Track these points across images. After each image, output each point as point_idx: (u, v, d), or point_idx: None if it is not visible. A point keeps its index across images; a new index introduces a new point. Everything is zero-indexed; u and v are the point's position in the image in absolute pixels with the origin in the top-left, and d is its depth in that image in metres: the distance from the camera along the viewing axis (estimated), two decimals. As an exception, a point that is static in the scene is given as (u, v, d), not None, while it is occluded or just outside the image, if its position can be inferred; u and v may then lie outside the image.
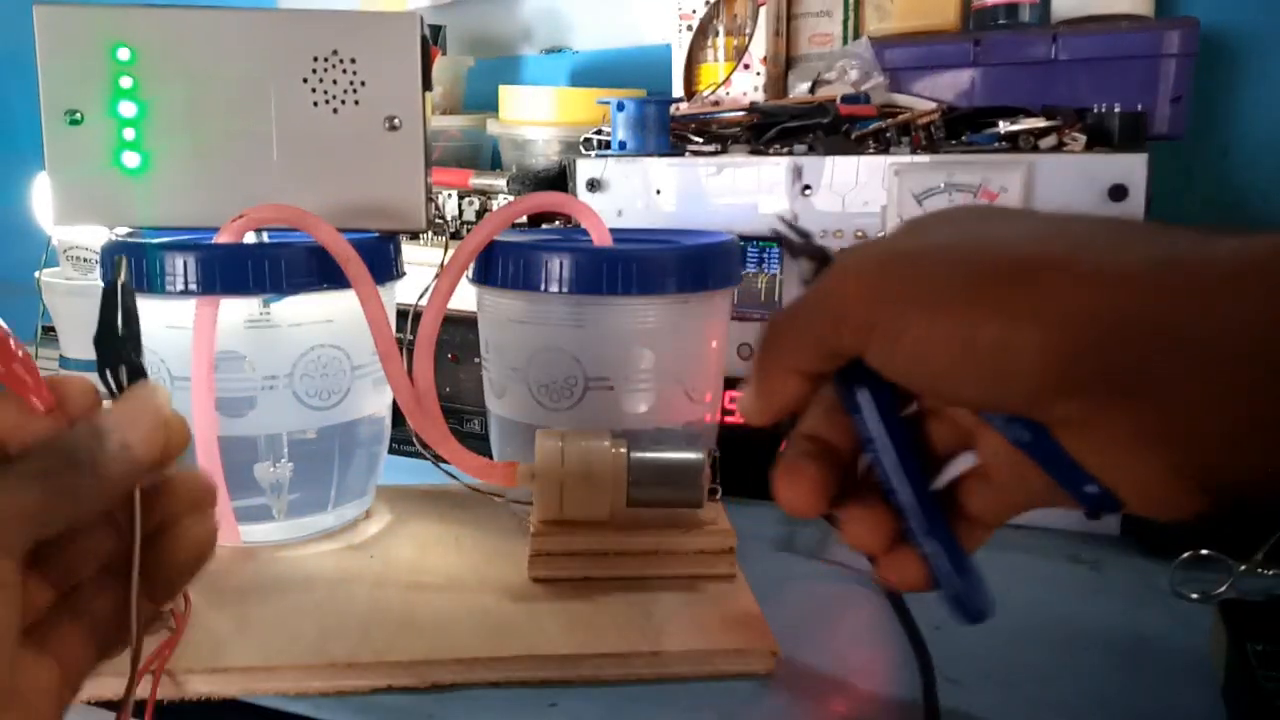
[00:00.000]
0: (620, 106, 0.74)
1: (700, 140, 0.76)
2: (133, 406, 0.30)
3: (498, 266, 0.58)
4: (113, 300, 0.32)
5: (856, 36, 0.88)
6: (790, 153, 0.69)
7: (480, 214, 0.85)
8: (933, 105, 0.74)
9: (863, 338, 0.29)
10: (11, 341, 0.30)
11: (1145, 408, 0.26)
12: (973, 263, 0.28)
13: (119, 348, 0.32)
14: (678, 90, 0.91)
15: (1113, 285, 0.26)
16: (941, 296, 0.28)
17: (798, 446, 0.33)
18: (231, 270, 0.53)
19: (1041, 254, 0.27)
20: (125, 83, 0.56)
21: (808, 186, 0.68)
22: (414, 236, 0.77)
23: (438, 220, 0.85)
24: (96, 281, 0.63)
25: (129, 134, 0.57)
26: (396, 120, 0.58)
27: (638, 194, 0.73)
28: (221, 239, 0.55)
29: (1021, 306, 0.26)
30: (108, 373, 0.31)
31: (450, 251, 0.58)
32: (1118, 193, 0.61)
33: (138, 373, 0.31)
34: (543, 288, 0.56)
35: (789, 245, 0.35)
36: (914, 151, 0.66)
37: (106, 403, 0.31)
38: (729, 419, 0.71)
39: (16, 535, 0.27)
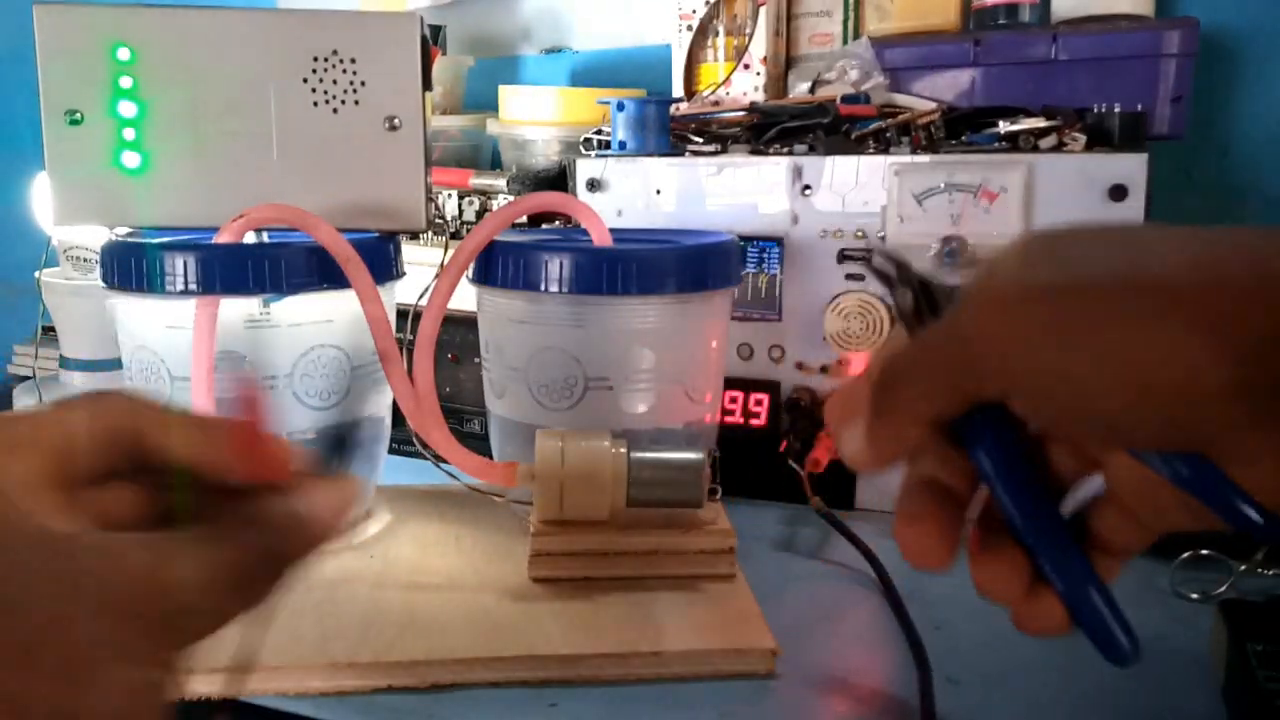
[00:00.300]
0: (620, 106, 0.74)
1: (700, 140, 0.76)
2: (330, 497, 0.29)
3: (498, 266, 0.58)
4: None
5: (856, 36, 0.88)
6: (790, 153, 0.69)
7: (480, 214, 0.85)
8: (933, 105, 0.74)
9: (1010, 382, 0.27)
10: (259, 398, 0.30)
11: None
12: (1137, 292, 0.25)
13: (349, 435, 0.32)
14: (678, 90, 0.91)
15: None
16: (1108, 332, 0.25)
17: (916, 496, 0.31)
18: (231, 270, 0.53)
19: (1212, 277, 0.24)
20: (125, 83, 0.56)
21: (808, 186, 0.68)
22: (414, 236, 0.77)
23: (438, 220, 0.85)
24: (96, 281, 0.63)
25: (129, 134, 0.57)
26: (396, 120, 0.58)
27: (638, 194, 0.73)
28: (221, 239, 0.55)
29: (1205, 339, 0.24)
30: (328, 447, 0.31)
31: (450, 251, 0.58)
32: (1118, 193, 0.61)
33: (348, 461, 0.32)
34: (543, 288, 0.56)
35: (883, 277, 0.32)
36: (914, 151, 0.66)
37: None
38: (729, 419, 0.71)
39: (191, 626, 0.25)
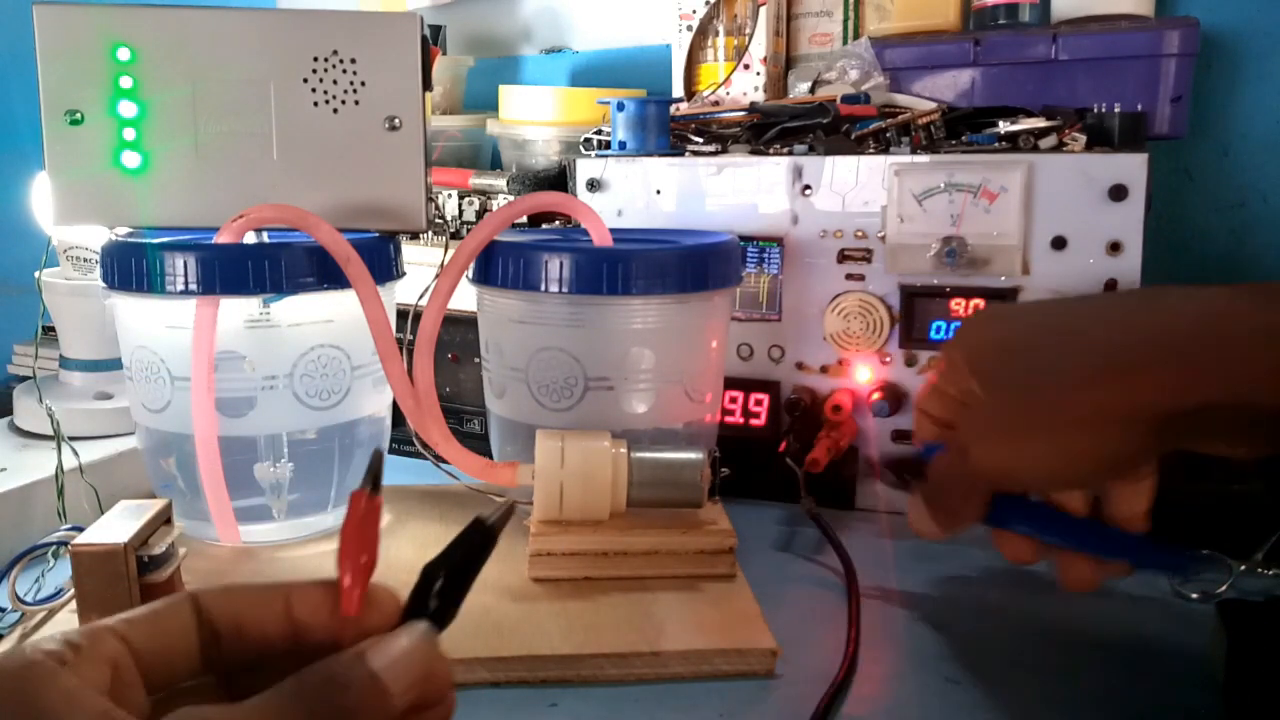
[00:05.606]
0: (620, 106, 0.74)
1: (700, 140, 0.76)
2: (407, 652, 0.29)
3: (498, 266, 0.58)
4: (482, 539, 0.32)
5: (856, 36, 0.88)
6: (790, 153, 0.69)
7: (480, 214, 0.85)
8: (933, 105, 0.74)
9: (1013, 480, 0.43)
10: (376, 517, 0.30)
11: None
12: (1071, 409, 0.40)
13: (454, 577, 0.31)
14: (678, 90, 0.91)
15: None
16: (1059, 439, 0.40)
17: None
18: (231, 270, 0.53)
19: (1117, 381, 0.39)
20: (125, 83, 0.56)
21: (808, 186, 0.68)
22: (414, 236, 0.77)
23: (438, 220, 0.85)
24: (96, 281, 0.63)
25: (129, 134, 0.57)
26: (396, 120, 0.58)
27: (638, 194, 0.73)
28: (221, 239, 0.55)
29: (1115, 433, 0.39)
30: (426, 589, 0.31)
31: (450, 251, 0.58)
32: (1118, 193, 0.61)
33: (448, 613, 0.31)
34: (542, 288, 0.56)
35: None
36: (914, 151, 0.66)
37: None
38: (729, 419, 0.71)
39: None
